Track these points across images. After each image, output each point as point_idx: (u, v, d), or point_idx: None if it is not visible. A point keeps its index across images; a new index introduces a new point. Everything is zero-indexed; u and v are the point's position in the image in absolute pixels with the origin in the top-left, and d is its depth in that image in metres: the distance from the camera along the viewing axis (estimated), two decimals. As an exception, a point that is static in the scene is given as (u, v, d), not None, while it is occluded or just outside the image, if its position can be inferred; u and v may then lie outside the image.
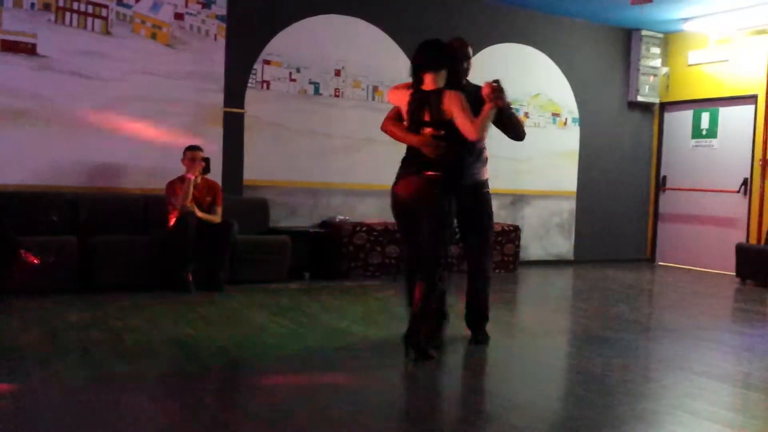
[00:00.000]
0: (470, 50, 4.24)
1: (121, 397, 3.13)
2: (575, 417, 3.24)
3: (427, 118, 3.82)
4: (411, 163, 3.90)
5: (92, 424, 2.81)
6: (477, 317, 4.37)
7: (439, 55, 3.88)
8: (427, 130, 3.82)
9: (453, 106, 3.75)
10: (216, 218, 5.96)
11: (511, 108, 4.17)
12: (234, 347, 4.10)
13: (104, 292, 5.43)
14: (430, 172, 3.79)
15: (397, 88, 4.06)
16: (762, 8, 7.49)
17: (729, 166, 8.50)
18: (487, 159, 4.37)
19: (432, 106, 3.79)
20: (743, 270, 7.57)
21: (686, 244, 8.99)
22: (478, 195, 4.26)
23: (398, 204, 3.99)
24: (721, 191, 8.55)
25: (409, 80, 3.95)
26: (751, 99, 8.24)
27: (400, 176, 3.97)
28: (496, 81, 3.84)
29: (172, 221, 5.77)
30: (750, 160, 8.26)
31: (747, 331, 5.25)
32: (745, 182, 8.32)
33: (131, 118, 6.32)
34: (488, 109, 3.78)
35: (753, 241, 8.06)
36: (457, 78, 4.01)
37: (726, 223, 8.53)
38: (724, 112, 8.59)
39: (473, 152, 4.19)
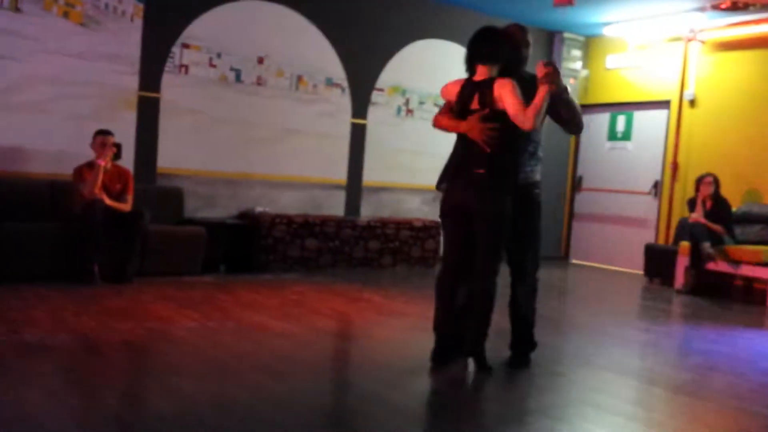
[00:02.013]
0: (530, 36, 3.87)
1: (17, 393, 2.94)
2: (482, 411, 3.27)
3: (475, 106, 3.59)
4: (462, 162, 3.67)
5: (-26, 422, 2.63)
6: (519, 336, 3.97)
7: (495, 47, 3.63)
8: (474, 116, 3.56)
9: (504, 92, 3.48)
10: (126, 206, 5.73)
11: (568, 92, 3.72)
12: (139, 341, 3.95)
13: (5, 282, 5.12)
14: (481, 170, 3.54)
15: (451, 82, 3.80)
16: (678, 17, 7.79)
17: (641, 169, 8.82)
18: (541, 158, 3.93)
19: (483, 95, 3.56)
20: (651, 269, 7.87)
21: (599, 243, 9.28)
22: (531, 196, 3.83)
23: (449, 207, 3.71)
24: (634, 192, 8.87)
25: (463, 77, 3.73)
26: (665, 104, 8.57)
27: (450, 175, 3.76)
28: (551, 62, 3.57)
29: (79, 209, 5.51)
30: (661, 163, 8.59)
31: (651, 328, 5.45)
32: (656, 184, 8.66)
33: (39, 100, 5.99)
34: (543, 93, 3.46)
35: (661, 241, 8.39)
36: (516, 67, 3.71)
37: (637, 224, 8.86)
38: (639, 116, 8.90)
39: (527, 148, 3.80)
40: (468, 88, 3.66)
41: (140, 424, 2.78)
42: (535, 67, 3.60)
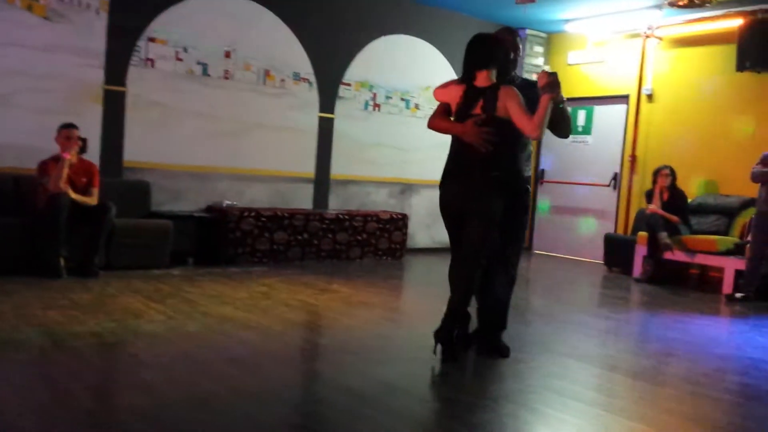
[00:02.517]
0: (518, 40, 4.07)
1: (-21, 388, 2.94)
2: (447, 398, 3.36)
3: (477, 111, 3.71)
4: (456, 164, 3.80)
5: (-55, 416, 2.63)
6: (494, 321, 4.06)
7: (490, 52, 3.79)
8: (470, 120, 3.69)
9: (509, 102, 3.63)
10: (92, 200, 5.70)
11: (564, 102, 3.89)
12: (107, 335, 3.95)
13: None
14: (475, 173, 3.69)
15: (444, 85, 3.92)
16: (637, 13, 8.00)
17: (601, 162, 9.04)
18: (530, 154, 4.14)
19: (486, 102, 3.68)
20: (610, 259, 8.10)
21: (561, 234, 9.49)
22: (520, 191, 3.96)
23: (445, 206, 3.86)
24: (594, 185, 9.08)
25: (452, 78, 3.88)
26: (624, 99, 8.79)
27: (449, 177, 3.83)
28: (553, 73, 3.68)
29: (44, 203, 5.46)
30: (620, 156, 8.82)
31: (611, 316, 5.62)
32: (615, 177, 8.88)
33: (2, 93, 5.92)
34: (546, 102, 3.60)
35: (620, 231, 8.62)
36: (506, 70, 3.88)
37: (597, 215, 9.08)
38: (599, 111, 9.11)
39: (520, 147, 3.92)
40: (471, 93, 3.77)
41: (110, 419, 2.80)
42: (537, 75, 3.78)
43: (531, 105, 3.67)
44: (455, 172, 3.82)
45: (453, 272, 3.88)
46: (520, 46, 4.07)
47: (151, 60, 6.67)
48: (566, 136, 4.15)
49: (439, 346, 3.83)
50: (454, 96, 3.83)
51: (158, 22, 6.67)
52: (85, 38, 6.28)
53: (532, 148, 4.12)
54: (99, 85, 6.39)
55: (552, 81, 3.62)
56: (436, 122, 3.89)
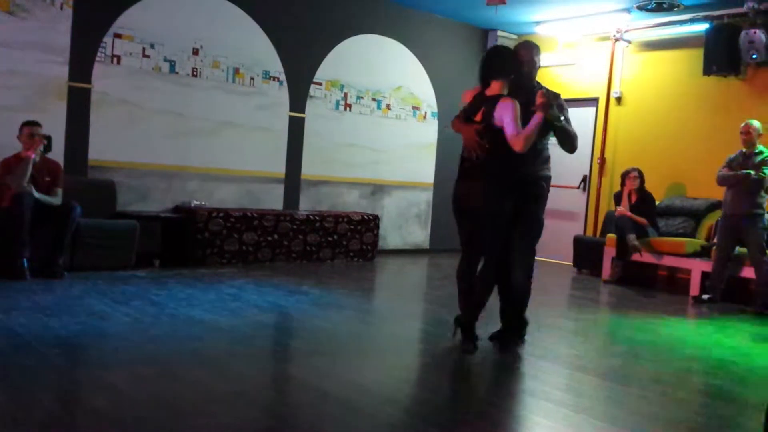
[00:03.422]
0: (533, 53, 4.27)
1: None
2: (420, 400, 3.35)
3: (478, 118, 4.01)
4: (462, 165, 4.16)
5: None
6: (515, 315, 4.36)
7: (502, 63, 4.07)
8: (474, 126, 4.00)
9: (504, 114, 3.88)
10: (55, 200, 5.57)
11: (562, 120, 4.17)
12: (72, 338, 3.85)
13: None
14: (476, 175, 4.01)
15: (473, 89, 4.22)
16: (606, 16, 8.08)
17: (570, 164, 9.09)
18: (548, 157, 4.37)
19: (486, 111, 3.98)
20: (579, 260, 8.17)
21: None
22: (537, 189, 4.28)
23: (455, 203, 4.21)
24: (564, 187, 9.14)
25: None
26: (593, 101, 8.87)
27: (459, 176, 4.19)
28: (548, 93, 3.97)
29: (7, 202, 5.32)
30: (589, 159, 8.90)
31: (580, 317, 5.67)
32: (584, 179, 8.97)
33: (-40, 88, 5.76)
34: (536, 122, 3.90)
35: (589, 233, 8.70)
36: (519, 83, 4.12)
37: (567, 217, 9.15)
38: (569, 113, 9.16)
39: (529, 152, 4.10)
40: (478, 100, 4.09)
41: (75, 423, 2.73)
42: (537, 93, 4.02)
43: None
44: (461, 173, 4.18)
45: (460, 269, 4.19)
46: (537, 61, 4.29)
47: (118, 56, 6.54)
48: (571, 152, 4.40)
49: (458, 334, 4.15)
50: (468, 99, 4.18)
51: (125, 18, 6.55)
52: (49, 34, 6.14)
53: (548, 153, 4.36)
54: (63, 82, 6.25)
55: (545, 102, 3.93)
56: (454, 121, 4.24)
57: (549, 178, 4.39)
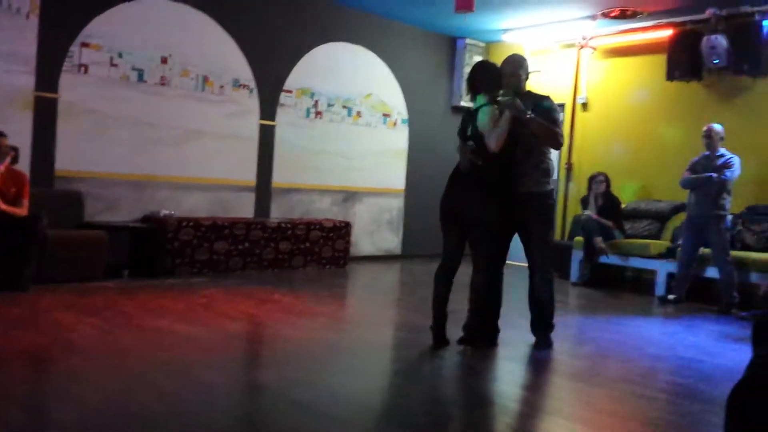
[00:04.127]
0: (516, 66, 4.43)
1: None
2: (390, 405, 3.37)
3: (468, 132, 4.22)
4: (455, 171, 4.30)
5: None
6: (539, 321, 4.59)
7: (487, 77, 4.25)
8: (465, 149, 4.21)
9: (486, 119, 4.09)
10: (21, 211, 5.49)
11: (528, 116, 4.17)
12: (39, 351, 3.81)
13: None
14: (468, 182, 4.17)
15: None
16: (572, 24, 8.21)
17: (540, 169, 9.21)
18: (547, 169, 4.41)
19: (473, 125, 4.18)
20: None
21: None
22: (535, 203, 4.36)
23: (442, 209, 4.35)
24: (534, 191, 9.25)
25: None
26: (560, 107, 8.98)
27: (451, 182, 4.32)
28: (508, 94, 4.15)
29: (-30, 214, 5.24)
30: (557, 164, 9.00)
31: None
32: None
33: None
34: (504, 117, 4.08)
35: (557, 237, 8.80)
36: (494, 91, 4.26)
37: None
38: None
39: (527, 163, 4.32)
40: (464, 116, 4.37)
41: (42, 434, 2.70)
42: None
43: (542, 116, 4.21)
44: (454, 179, 4.31)
45: (437, 273, 4.44)
46: (521, 74, 4.44)
47: (85, 66, 6.48)
48: (555, 147, 4.41)
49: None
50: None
51: (92, 27, 6.49)
52: (14, 43, 6.06)
53: (547, 165, 4.41)
54: (29, 92, 6.17)
55: (507, 101, 4.11)
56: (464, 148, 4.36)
57: (550, 192, 4.43)
